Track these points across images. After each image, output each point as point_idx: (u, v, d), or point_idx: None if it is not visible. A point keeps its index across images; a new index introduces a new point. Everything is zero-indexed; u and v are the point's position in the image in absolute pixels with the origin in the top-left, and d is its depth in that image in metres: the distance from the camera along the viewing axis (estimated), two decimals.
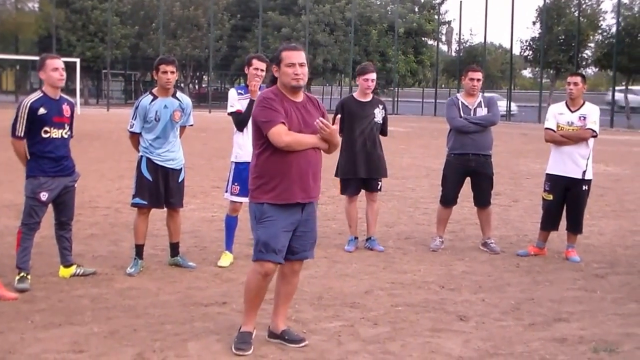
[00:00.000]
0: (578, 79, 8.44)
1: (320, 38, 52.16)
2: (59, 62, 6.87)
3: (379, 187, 8.88)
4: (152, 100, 7.45)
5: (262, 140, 5.25)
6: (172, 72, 7.40)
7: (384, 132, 8.88)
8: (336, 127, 5.26)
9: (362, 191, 8.91)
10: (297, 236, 5.35)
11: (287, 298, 5.59)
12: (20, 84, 56.47)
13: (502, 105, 34.87)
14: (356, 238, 8.81)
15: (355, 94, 8.82)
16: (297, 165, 5.22)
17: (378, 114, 8.69)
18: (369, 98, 8.74)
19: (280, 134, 5.13)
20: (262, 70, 7.67)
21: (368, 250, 8.74)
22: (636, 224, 10.91)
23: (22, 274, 6.82)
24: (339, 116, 5.61)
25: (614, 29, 43.41)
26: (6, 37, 51.59)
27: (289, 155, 5.20)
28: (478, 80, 8.87)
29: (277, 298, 5.60)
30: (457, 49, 62.23)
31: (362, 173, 8.66)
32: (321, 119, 5.25)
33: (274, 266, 5.31)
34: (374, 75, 8.65)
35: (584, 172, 8.41)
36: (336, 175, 8.92)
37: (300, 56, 5.25)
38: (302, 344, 5.45)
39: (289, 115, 5.20)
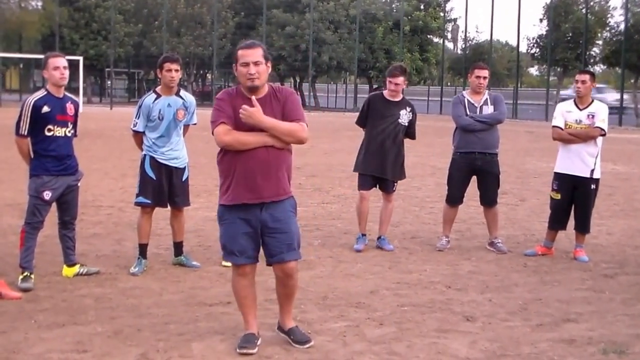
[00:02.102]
0: (586, 77, 8.38)
1: (324, 36, 52.09)
2: (60, 61, 6.84)
3: (393, 188, 8.82)
4: (156, 99, 7.41)
5: None
6: (177, 71, 7.36)
7: (410, 135, 8.79)
8: (256, 108, 5.02)
9: (374, 191, 8.86)
10: (267, 238, 5.25)
11: (287, 299, 5.52)
12: (24, 82, 56.48)
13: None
14: (364, 235, 8.75)
15: (385, 93, 8.75)
16: (243, 166, 5.11)
17: (404, 116, 8.61)
18: (398, 98, 8.66)
19: (219, 134, 5.06)
20: None
21: (374, 249, 8.69)
22: None
23: (25, 274, 6.79)
24: (253, 97, 5.14)
25: (622, 26, 43.24)
26: (10, 35, 51.62)
27: (235, 156, 5.12)
28: (484, 78, 8.81)
29: (277, 297, 5.57)
30: (463, 46, 62.11)
31: (374, 171, 8.61)
32: (244, 106, 5.06)
33: (242, 267, 5.30)
34: (398, 80, 8.53)
35: (592, 171, 8.35)
36: (354, 169, 8.90)
37: (254, 54, 5.11)
38: (307, 345, 5.40)
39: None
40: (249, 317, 5.44)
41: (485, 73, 8.83)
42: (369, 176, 8.70)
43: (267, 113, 5.11)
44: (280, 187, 5.24)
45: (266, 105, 5.15)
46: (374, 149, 8.60)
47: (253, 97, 5.12)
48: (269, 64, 5.23)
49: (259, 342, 5.37)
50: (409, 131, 8.74)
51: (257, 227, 5.22)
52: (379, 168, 8.61)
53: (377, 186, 8.81)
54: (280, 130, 5.11)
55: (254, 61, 5.10)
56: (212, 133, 5.12)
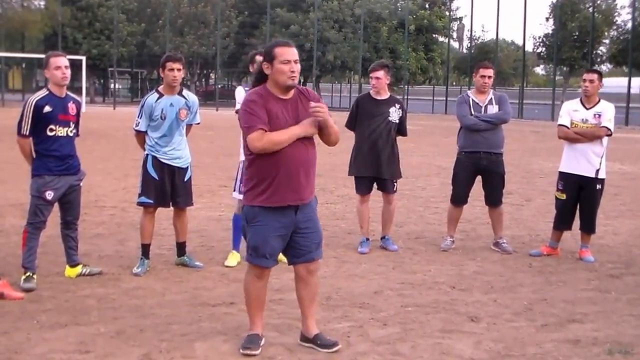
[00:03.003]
0: (594, 76, 8.34)
1: (329, 35, 52.11)
2: (62, 60, 6.81)
3: (394, 189, 8.77)
4: (158, 98, 7.38)
5: None
6: (179, 70, 7.33)
7: (402, 132, 8.73)
8: (322, 105, 5.08)
9: (375, 192, 8.81)
10: (298, 237, 5.24)
11: (311, 300, 5.46)
12: (27, 82, 56.55)
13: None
14: (368, 239, 8.70)
15: (371, 92, 8.71)
16: (286, 167, 5.07)
17: (394, 113, 8.56)
18: (385, 96, 8.61)
19: (253, 140, 5.01)
20: None
21: (378, 250, 8.65)
22: None
23: (28, 274, 6.77)
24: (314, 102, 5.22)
25: (629, 25, 43.26)
26: (12, 35, 51.72)
27: (276, 157, 5.05)
28: (489, 77, 8.76)
29: (300, 302, 5.48)
30: (469, 45, 62.16)
31: (371, 172, 8.55)
32: (312, 102, 5.10)
33: (267, 269, 5.27)
34: (378, 74, 8.48)
35: (597, 171, 8.30)
36: (349, 173, 8.85)
37: (294, 53, 5.11)
38: (335, 348, 5.34)
39: (276, 116, 5.05)
40: (256, 318, 5.41)
41: (490, 72, 8.79)
42: (365, 178, 8.63)
43: (301, 113, 5.12)
44: (314, 186, 5.32)
45: (298, 104, 5.15)
46: (367, 150, 8.54)
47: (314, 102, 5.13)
48: None
49: (262, 343, 5.33)
50: (400, 128, 8.68)
51: (291, 228, 5.20)
52: (375, 168, 8.55)
53: (377, 187, 8.77)
54: (334, 129, 5.20)
55: (295, 59, 5.09)
56: (245, 138, 5.08)
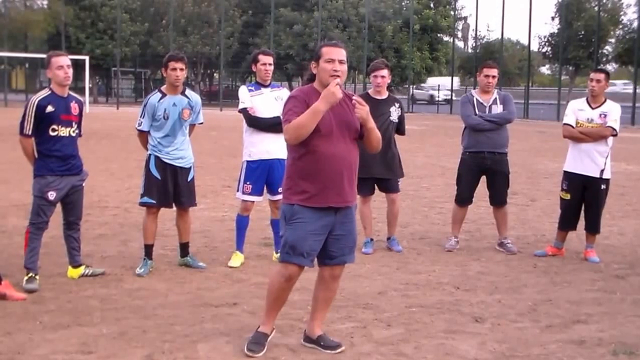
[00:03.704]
0: (601, 76, 8.31)
1: (333, 34, 51.95)
2: (64, 60, 6.79)
3: (399, 188, 8.74)
4: (161, 98, 7.36)
5: None
6: (182, 69, 7.30)
7: (401, 131, 8.69)
8: (364, 103, 5.08)
9: (378, 192, 8.78)
10: (333, 240, 5.19)
11: (326, 303, 5.45)
12: (30, 82, 56.58)
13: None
14: (372, 240, 8.68)
15: (370, 92, 8.67)
16: (330, 167, 5.04)
17: (394, 113, 8.53)
18: (384, 96, 8.57)
19: (285, 132, 5.02)
20: (269, 64, 7.62)
21: (382, 250, 8.62)
22: None
23: (30, 275, 6.76)
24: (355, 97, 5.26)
25: (635, 24, 43.13)
26: (15, 35, 51.74)
27: (321, 156, 5.03)
28: (493, 77, 8.73)
29: (315, 303, 5.46)
30: (474, 45, 61.96)
31: (375, 173, 8.50)
32: (355, 97, 5.12)
33: (298, 270, 5.17)
34: (384, 72, 8.45)
35: (602, 171, 8.26)
36: None
37: (340, 53, 5.10)
38: (339, 350, 5.32)
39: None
40: (270, 318, 5.38)
41: (494, 72, 8.75)
42: (367, 179, 8.56)
43: (346, 113, 5.12)
44: (356, 190, 5.31)
45: (342, 104, 5.11)
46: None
47: (355, 97, 5.14)
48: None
49: (267, 342, 5.31)
50: (400, 127, 8.65)
51: (329, 229, 5.16)
52: (381, 169, 8.50)
53: (379, 189, 8.73)
54: (376, 133, 5.21)
55: (340, 59, 5.08)
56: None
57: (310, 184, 5.06)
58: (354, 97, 5.13)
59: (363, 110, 5.05)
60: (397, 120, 8.56)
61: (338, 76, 5.04)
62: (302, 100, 5.07)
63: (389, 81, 8.58)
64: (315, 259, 5.26)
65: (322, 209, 5.08)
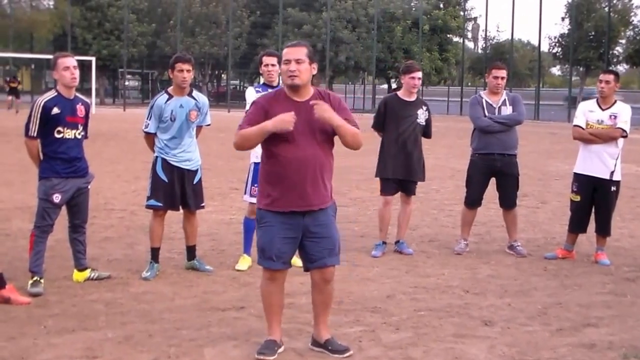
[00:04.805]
0: (611, 77, 8.25)
1: (342, 35, 51.98)
2: (70, 61, 6.75)
3: (415, 191, 8.75)
4: (168, 100, 7.31)
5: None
6: (188, 71, 7.26)
7: (427, 134, 8.68)
8: (323, 103, 4.98)
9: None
10: (310, 242, 5.16)
11: (324, 307, 5.41)
12: (36, 83, 56.69)
13: None
14: (384, 243, 8.62)
15: (399, 93, 8.63)
16: (293, 172, 5.01)
17: (421, 115, 8.51)
18: (413, 98, 8.54)
19: (235, 137, 5.05)
20: (272, 65, 7.58)
21: (391, 253, 8.57)
22: None
23: (35, 278, 6.72)
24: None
25: None
26: (21, 35, 51.84)
27: (284, 160, 5.01)
28: (502, 78, 8.67)
29: (314, 307, 5.45)
30: (484, 46, 61.93)
31: (399, 174, 8.48)
32: (317, 101, 5.00)
33: (274, 272, 5.20)
34: (420, 74, 8.47)
35: (612, 173, 8.20)
36: (376, 175, 8.77)
37: (296, 52, 5.00)
38: (347, 354, 5.28)
39: None
40: (273, 324, 5.35)
41: (503, 73, 8.69)
42: (392, 180, 8.55)
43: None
44: (327, 194, 5.18)
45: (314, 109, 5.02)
46: (396, 152, 8.46)
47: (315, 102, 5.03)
48: (314, 66, 5.11)
49: (280, 350, 5.27)
50: (426, 130, 8.64)
51: (299, 232, 5.13)
52: (406, 171, 8.50)
53: (398, 189, 8.70)
54: (346, 130, 5.05)
55: (296, 59, 4.99)
56: None
57: (274, 188, 5.07)
58: (311, 102, 5.00)
59: (320, 109, 4.95)
60: (424, 123, 8.53)
61: (296, 76, 4.97)
62: (261, 107, 5.06)
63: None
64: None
65: (285, 214, 5.07)
